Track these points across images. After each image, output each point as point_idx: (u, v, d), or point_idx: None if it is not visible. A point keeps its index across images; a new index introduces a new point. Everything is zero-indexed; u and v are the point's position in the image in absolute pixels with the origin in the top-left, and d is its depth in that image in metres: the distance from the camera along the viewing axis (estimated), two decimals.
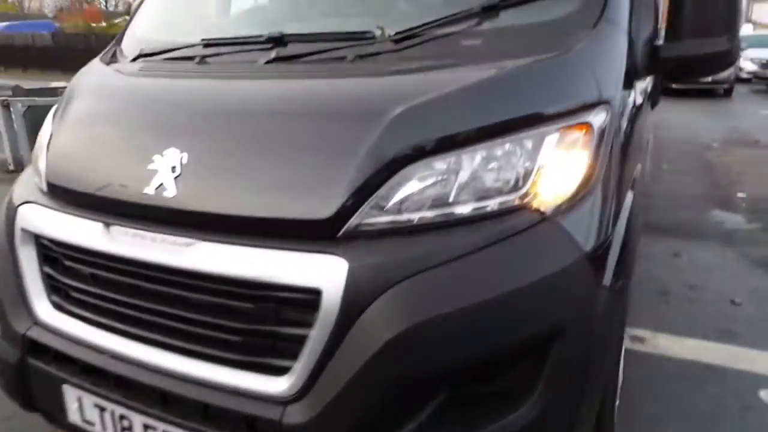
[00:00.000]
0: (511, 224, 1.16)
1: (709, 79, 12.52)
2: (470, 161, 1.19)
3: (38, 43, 27.97)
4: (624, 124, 1.48)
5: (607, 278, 1.27)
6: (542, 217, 1.18)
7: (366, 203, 1.15)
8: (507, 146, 1.21)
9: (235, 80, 1.52)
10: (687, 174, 6.18)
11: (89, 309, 1.43)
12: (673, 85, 12.26)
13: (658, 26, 1.72)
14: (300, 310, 1.15)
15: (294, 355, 1.16)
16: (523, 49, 1.38)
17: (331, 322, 1.11)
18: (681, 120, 9.93)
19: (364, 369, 1.08)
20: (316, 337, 1.12)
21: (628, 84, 1.54)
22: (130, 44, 2.04)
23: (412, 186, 1.17)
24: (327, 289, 1.11)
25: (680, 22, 1.66)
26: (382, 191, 1.16)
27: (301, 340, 1.15)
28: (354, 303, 1.09)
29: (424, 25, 1.49)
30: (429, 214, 1.16)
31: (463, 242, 1.12)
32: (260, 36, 1.64)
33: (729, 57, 1.66)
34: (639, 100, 1.75)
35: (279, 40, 1.61)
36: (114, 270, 1.35)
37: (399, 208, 1.16)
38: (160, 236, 1.29)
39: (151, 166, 1.33)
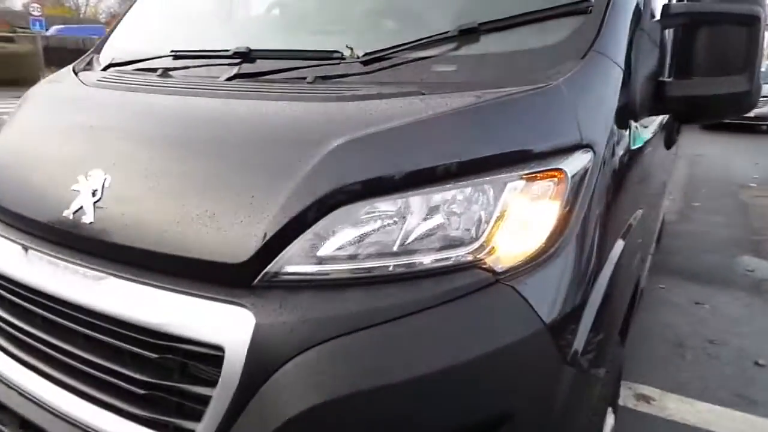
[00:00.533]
0: (457, 285, 0.98)
1: (752, 114, 11.99)
2: (417, 207, 1.02)
3: (88, 46, 28.90)
4: (615, 168, 1.29)
5: (577, 352, 1.07)
6: (495, 279, 1.00)
7: (287, 248, 0.99)
8: (461, 192, 1.04)
9: (185, 97, 1.39)
10: (719, 214, 5.83)
11: (7, 339, 1.32)
12: None
13: (665, 61, 1.53)
14: (204, 368, 1.00)
15: (198, 417, 1.01)
16: (497, 80, 1.22)
17: (233, 385, 0.95)
18: (717, 157, 9.49)
19: None
20: (218, 400, 0.97)
21: (623, 124, 1.35)
22: (107, 52, 1.97)
23: (345, 232, 1.01)
24: (229, 347, 0.95)
25: (692, 58, 1.47)
26: (307, 236, 1.00)
27: (205, 401, 1.00)
28: (259, 366, 0.94)
29: (395, 47, 1.35)
30: (362, 266, 1.00)
31: (396, 303, 0.95)
32: (227, 50, 1.54)
33: (748, 99, 1.45)
34: (640, 142, 1.55)
35: (246, 56, 1.50)
36: (25, 298, 1.23)
37: (327, 257, 1.00)
38: (72, 266, 1.17)
39: (74, 187, 1.21)
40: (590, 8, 1.32)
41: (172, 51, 1.68)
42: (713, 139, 11.38)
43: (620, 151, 1.34)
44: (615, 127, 1.29)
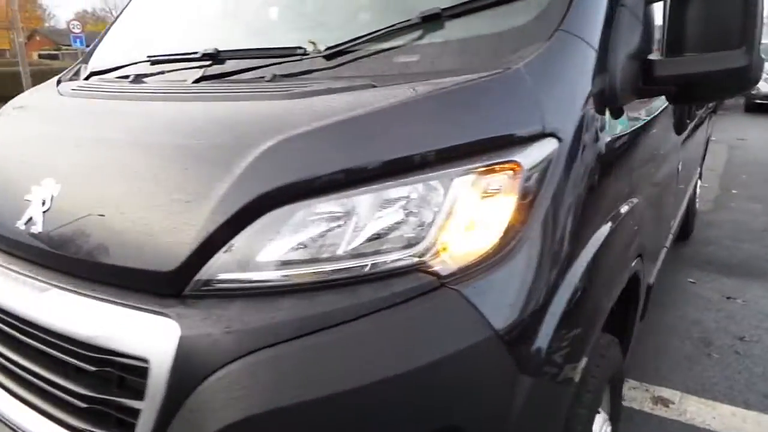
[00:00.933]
0: (397, 290, 0.90)
1: None
2: (356, 208, 0.95)
3: None
4: (592, 157, 1.19)
5: (538, 359, 0.98)
6: (440, 283, 0.92)
7: (216, 255, 0.94)
8: (404, 191, 0.96)
9: (144, 102, 1.37)
10: (759, 201, 5.50)
11: None
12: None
13: (653, 37, 1.40)
14: (137, 380, 0.96)
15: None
16: (460, 68, 1.14)
17: (159, 398, 0.91)
18: (760, 140, 8.98)
19: None
20: (146, 413, 0.93)
21: (601, 109, 1.24)
22: (93, 62, 1.97)
23: (279, 236, 0.94)
24: (154, 360, 0.91)
25: (683, 32, 1.34)
26: (238, 241, 0.94)
27: (136, 415, 0.96)
28: (183, 380, 0.89)
29: (356, 39, 1.28)
30: (297, 272, 0.93)
31: (329, 311, 0.88)
32: (196, 52, 1.51)
33: (747, 75, 1.31)
34: (628, 127, 1.43)
35: (214, 57, 1.47)
36: None
37: (261, 263, 0.94)
38: (23, 278, 1.15)
39: (27, 197, 1.20)
40: None
41: (148, 56, 1.66)
42: (757, 122, 10.81)
43: (600, 138, 1.24)
44: (591, 113, 1.19)
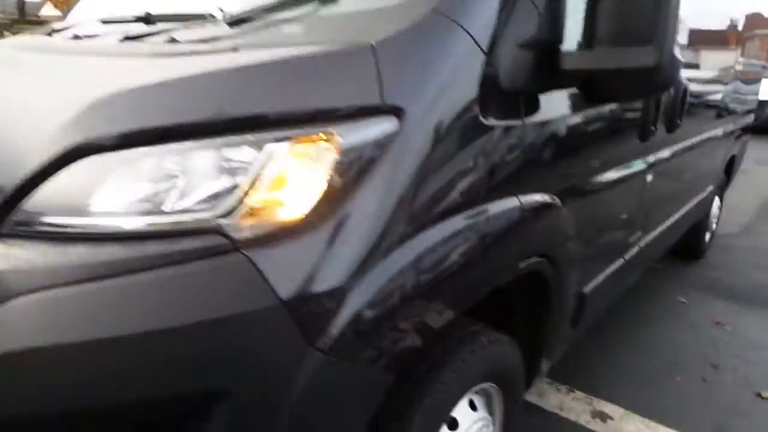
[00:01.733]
0: (186, 249, 0.91)
1: None
2: (164, 164, 0.96)
3: None
4: (451, 144, 1.15)
5: (337, 341, 0.96)
6: (234, 247, 0.93)
7: (28, 197, 0.97)
8: (214, 151, 0.97)
9: (58, 56, 1.43)
10: None
11: None
12: None
13: (561, 28, 1.33)
14: None
15: None
16: (328, 41, 1.13)
17: None
18: None
19: None
20: None
21: (478, 98, 1.19)
22: (68, 19, 2.07)
23: (86, 186, 0.96)
24: None
25: (595, 26, 1.28)
26: (52, 186, 0.97)
27: None
28: None
29: (256, 9, 1.30)
30: (97, 222, 0.95)
31: (111, 261, 0.91)
32: (133, 15, 1.57)
33: (656, 75, 1.25)
34: (527, 121, 1.36)
35: (147, 20, 1.53)
36: None
37: (72, 209, 0.97)
38: None
39: None
40: None
41: (100, 18, 1.74)
42: None
43: (470, 127, 1.19)
44: (459, 100, 1.15)
